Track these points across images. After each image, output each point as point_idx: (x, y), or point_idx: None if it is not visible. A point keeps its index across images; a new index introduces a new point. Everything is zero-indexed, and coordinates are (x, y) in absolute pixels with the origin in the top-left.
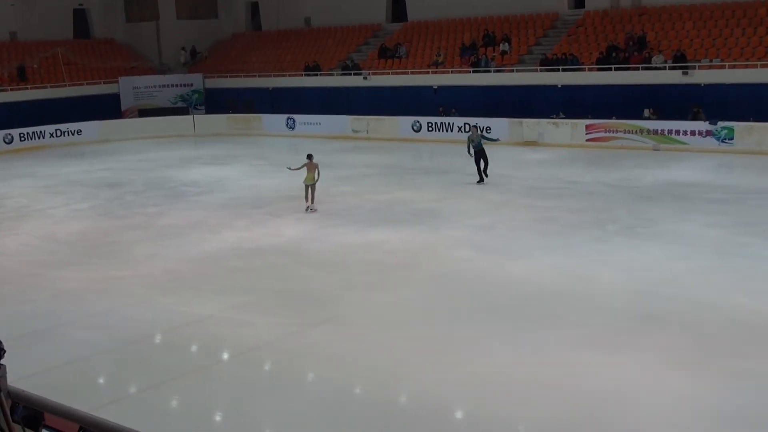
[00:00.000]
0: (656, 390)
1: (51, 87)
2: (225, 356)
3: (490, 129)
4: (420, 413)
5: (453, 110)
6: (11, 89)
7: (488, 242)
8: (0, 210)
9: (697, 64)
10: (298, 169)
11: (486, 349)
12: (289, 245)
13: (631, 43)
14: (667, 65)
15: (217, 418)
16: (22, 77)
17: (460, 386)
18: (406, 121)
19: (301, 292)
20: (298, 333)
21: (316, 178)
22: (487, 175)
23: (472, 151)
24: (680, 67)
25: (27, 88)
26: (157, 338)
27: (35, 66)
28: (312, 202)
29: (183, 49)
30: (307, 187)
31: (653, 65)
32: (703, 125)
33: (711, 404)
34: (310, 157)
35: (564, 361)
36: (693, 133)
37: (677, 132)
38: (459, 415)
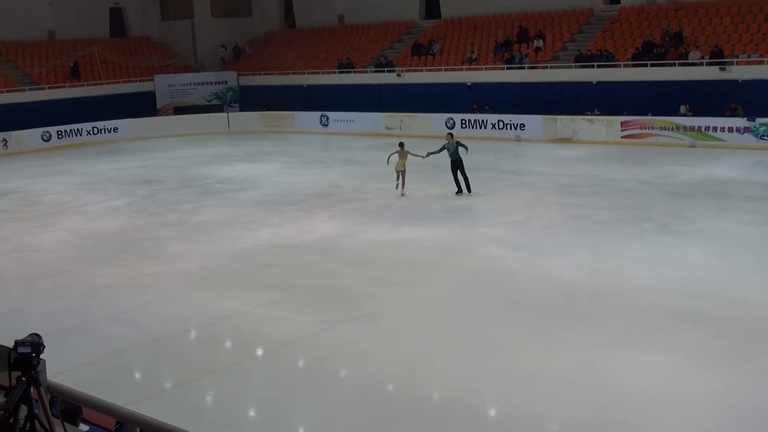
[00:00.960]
0: (689, 389)
1: (88, 85)
2: (258, 352)
3: (524, 126)
4: (451, 410)
5: (486, 107)
6: (49, 87)
7: (521, 239)
8: (37, 206)
9: (734, 60)
10: (391, 155)
11: (517, 347)
12: (321, 242)
13: (667, 38)
14: (704, 61)
15: (251, 413)
16: (75, 74)
17: (491, 383)
18: (439, 118)
19: (333, 289)
20: (330, 329)
21: (406, 164)
22: (470, 191)
23: (436, 154)
24: (717, 63)
25: (65, 86)
26: (191, 334)
27: (72, 64)
28: (403, 187)
29: (223, 46)
30: (398, 172)
31: (690, 61)
32: (741, 122)
33: (745, 404)
34: (401, 144)
35: (596, 359)
36: (731, 129)
37: (714, 129)
38: (489, 412)
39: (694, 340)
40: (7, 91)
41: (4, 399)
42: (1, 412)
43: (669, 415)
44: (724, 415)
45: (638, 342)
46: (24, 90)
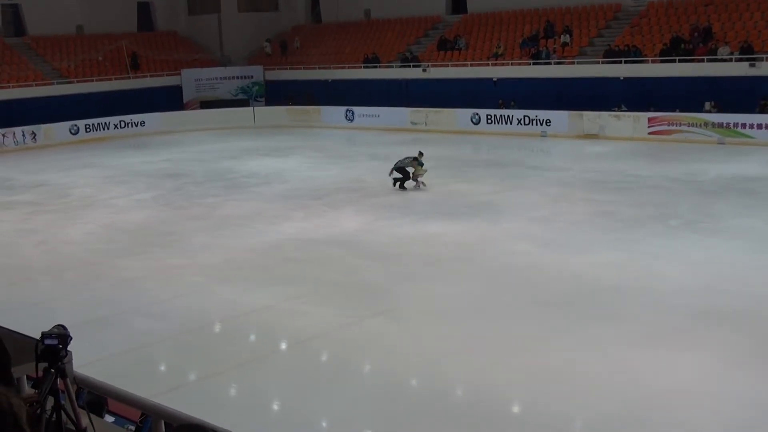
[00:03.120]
0: (716, 388)
1: (115, 79)
2: (282, 346)
3: (550, 122)
4: (473, 406)
5: (512, 102)
6: (78, 81)
7: (546, 236)
8: (65, 199)
9: (765, 56)
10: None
11: (541, 344)
12: (346, 237)
13: (695, 34)
14: (733, 57)
15: (274, 406)
16: (134, 66)
17: (515, 380)
18: (465, 114)
19: (357, 284)
20: (354, 324)
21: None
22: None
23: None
24: (747, 59)
25: (93, 80)
26: (216, 327)
27: (100, 58)
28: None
29: (268, 41)
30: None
31: (719, 57)
32: None
33: None
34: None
35: (621, 357)
36: (760, 126)
37: (743, 125)
38: (512, 409)
39: (720, 338)
40: (36, 85)
41: (32, 390)
42: (28, 405)
43: (695, 413)
44: (752, 413)
45: (664, 340)
46: (53, 84)
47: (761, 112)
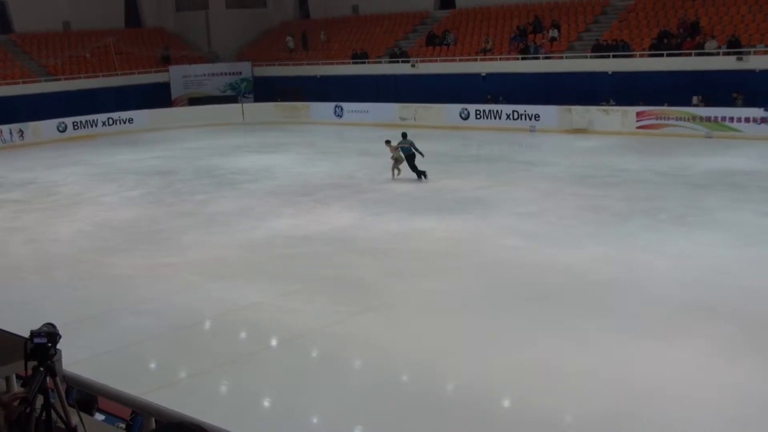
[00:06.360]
0: (706, 381)
1: (103, 76)
2: (273, 343)
3: (538, 116)
4: (465, 401)
5: (501, 97)
6: (65, 78)
7: (536, 231)
8: (54, 197)
9: (752, 50)
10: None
11: (532, 339)
12: (336, 233)
13: (681, 30)
14: (720, 51)
15: (265, 403)
16: (166, 61)
17: (506, 375)
18: (453, 109)
19: (347, 280)
20: (344, 320)
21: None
22: (426, 177)
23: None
24: (735, 53)
25: (80, 77)
26: (206, 324)
27: (87, 55)
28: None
29: (290, 35)
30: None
31: (706, 51)
32: (757, 112)
33: (762, 396)
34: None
35: (612, 350)
36: (747, 120)
37: (730, 119)
38: (504, 403)
39: (710, 331)
40: (24, 83)
41: (22, 388)
42: (17, 403)
43: (686, 407)
44: (742, 406)
45: (654, 333)
46: (40, 81)
47: (734, 105)
